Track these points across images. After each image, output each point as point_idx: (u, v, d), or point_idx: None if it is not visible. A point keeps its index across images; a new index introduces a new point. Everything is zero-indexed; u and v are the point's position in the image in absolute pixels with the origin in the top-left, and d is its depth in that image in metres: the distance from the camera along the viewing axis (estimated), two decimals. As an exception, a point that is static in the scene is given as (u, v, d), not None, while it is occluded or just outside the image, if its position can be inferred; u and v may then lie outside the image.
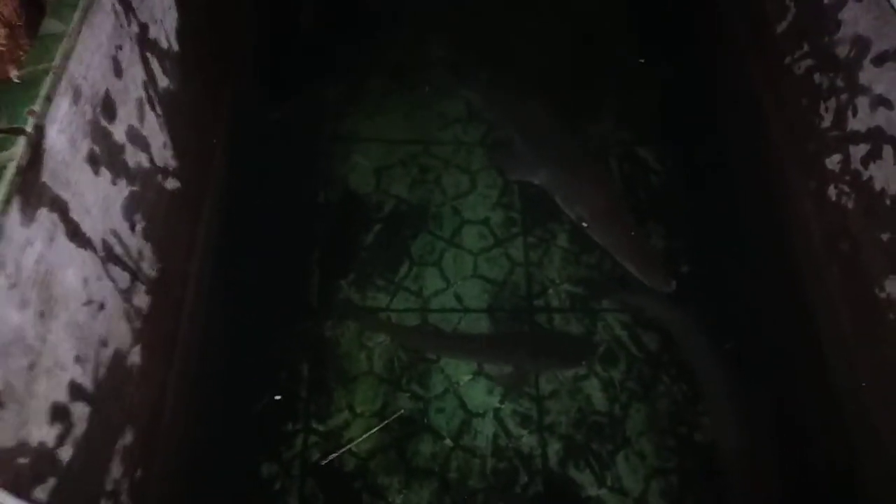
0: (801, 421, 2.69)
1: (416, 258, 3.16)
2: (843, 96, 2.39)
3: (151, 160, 2.00)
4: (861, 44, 2.28)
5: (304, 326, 2.96)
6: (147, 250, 1.96)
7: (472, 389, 2.88)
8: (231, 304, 2.76)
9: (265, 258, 3.03)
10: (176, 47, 2.20)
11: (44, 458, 1.42)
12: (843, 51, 2.41)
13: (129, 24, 1.84)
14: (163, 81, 2.09)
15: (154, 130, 2.02)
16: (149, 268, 1.97)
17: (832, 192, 2.45)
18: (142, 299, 1.93)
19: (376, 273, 3.11)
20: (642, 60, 3.75)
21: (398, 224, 3.25)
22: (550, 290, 3.13)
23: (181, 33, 2.23)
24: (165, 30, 2.11)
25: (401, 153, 3.45)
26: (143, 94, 1.94)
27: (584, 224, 3.09)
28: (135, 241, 1.88)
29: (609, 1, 3.99)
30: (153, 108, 2.01)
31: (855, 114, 2.32)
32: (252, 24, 3.09)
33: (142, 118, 1.93)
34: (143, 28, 1.94)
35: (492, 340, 2.98)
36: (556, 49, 3.83)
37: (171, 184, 2.16)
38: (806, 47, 2.65)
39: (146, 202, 1.95)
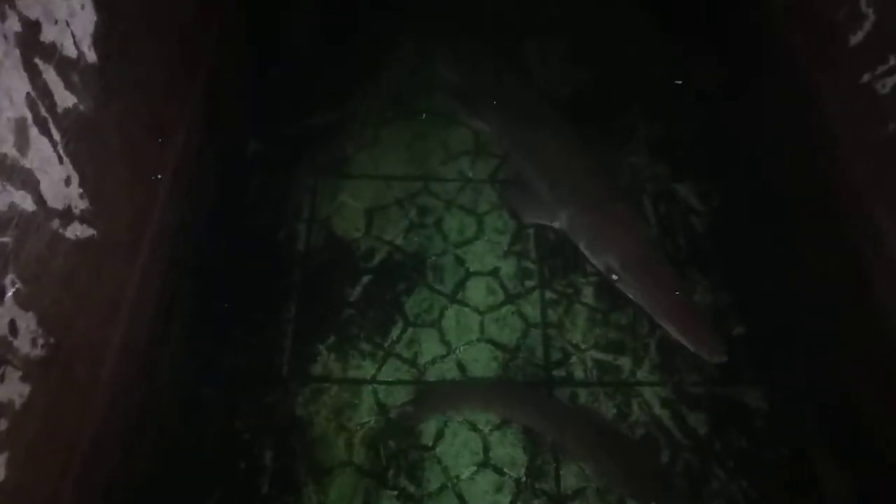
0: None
1: (412, 318, 2.63)
2: (956, 118, 1.84)
3: (40, 201, 1.51)
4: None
5: (269, 402, 2.43)
6: (26, 321, 1.45)
7: (476, 485, 2.31)
8: (172, 376, 2.23)
9: (226, 317, 2.53)
10: (92, 58, 1.72)
11: None
12: (950, 60, 1.87)
13: (1, 20, 1.37)
14: (66, 99, 1.61)
15: (47, 161, 1.54)
16: (28, 345, 1.46)
17: (943, 241, 1.88)
18: (13, 389, 1.42)
19: (362, 335, 2.58)
20: (679, 82, 3.23)
21: (391, 276, 2.72)
22: (573, 358, 2.57)
23: (101, 41, 1.75)
24: (74, 34, 1.64)
25: (396, 191, 2.95)
26: (25, 113, 1.45)
27: (614, 277, 2.54)
28: (3, 311, 1.38)
29: (640, 14, 3.48)
30: (46, 133, 1.53)
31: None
32: (224, 35, 2.62)
33: (23, 145, 1.44)
34: (31, 27, 1.47)
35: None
36: (579, 71, 3.32)
37: (78, 231, 1.67)
38: (892, 61, 2.11)
39: (26, 257, 1.45)
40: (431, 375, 2.51)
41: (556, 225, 2.75)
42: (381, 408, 2.42)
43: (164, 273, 2.13)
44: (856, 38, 2.30)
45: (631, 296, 2.52)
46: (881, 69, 2.16)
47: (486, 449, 2.37)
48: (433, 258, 2.78)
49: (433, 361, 2.54)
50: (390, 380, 2.48)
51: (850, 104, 2.30)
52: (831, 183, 2.40)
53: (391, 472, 2.30)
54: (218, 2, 2.64)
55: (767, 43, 2.80)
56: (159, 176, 2.13)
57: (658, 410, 2.46)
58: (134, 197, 1.96)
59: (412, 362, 2.53)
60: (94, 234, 1.74)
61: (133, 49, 1.95)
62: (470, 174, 3.00)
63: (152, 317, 2.06)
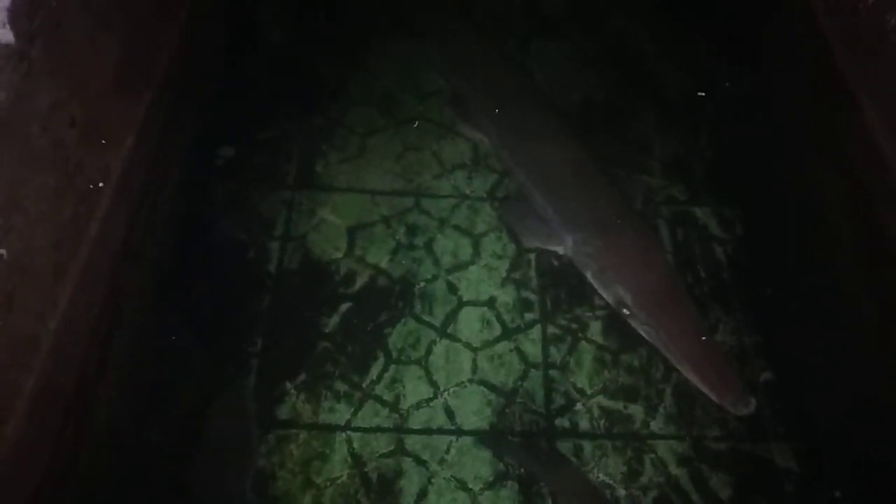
0: None
1: (395, 353, 2.31)
2: None
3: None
4: None
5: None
6: None
7: (464, 554, 1.97)
8: (110, 424, 1.90)
9: (178, 349, 2.19)
10: (7, 38, 1.41)
11: None
12: None
13: None
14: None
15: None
16: None
17: None
18: None
19: (338, 373, 2.26)
20: (702, 94, 2.93)
21: (373, 304, 2.40)
22: (578, 405, 2.25)
23: (21, 18, 1.44)
24: (-21, 8, 1.32)
25: (383, 208, 2.63)
26: None
27: (626, 311, 2.23)
28: None
29: (656, 19, 3.19)
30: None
31: None
32: (190, 24, 2.31)
33: None
34: None
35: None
36: (589, 79, 3.02)
37: (-21, 254, 1.33)
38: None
39: None
40: (415, 422, 2.18)
41: (561, 250, 2.45)
42: (356, 460, 2.09)
43: (101, 301, 1.80)
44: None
45: (644, 334, 2.22)
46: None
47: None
48: (422, 285, 2.46)
49: (417, 406, 2.21)
50: (367, 426, 2.16)
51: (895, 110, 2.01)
52: (874, 206, 2.10)
53: (364, 538, 1.97)
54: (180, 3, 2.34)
55: (798, 45, 2.51)
56: (100, 185, 1.81)
57: (674, 469, 2.14)
58: (62, 209, 1.64)
59: (393, 406, 2.20)
60: (1, 255, 1.41)
61: (67, 31, 1.63)
62: (467, 191, 2.69)
63: (83, 354, 1.73)
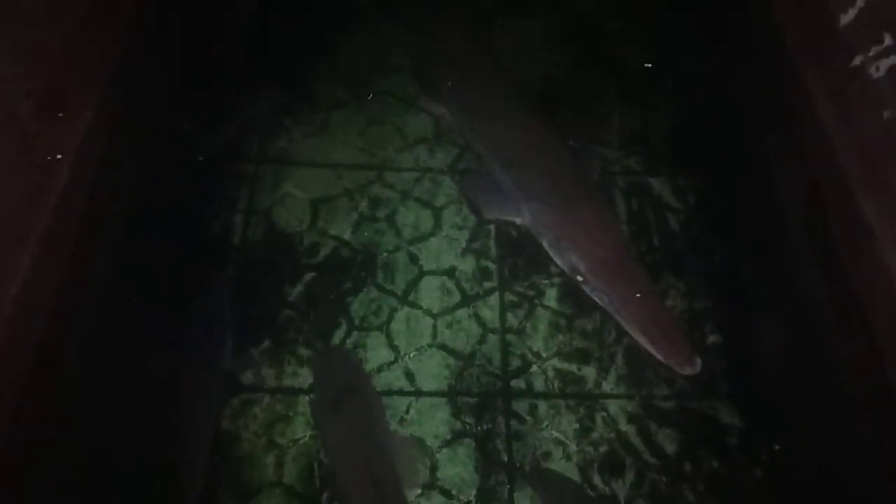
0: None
1: (357, 320, 2.38)
2: (961, 105, 1.63)
3: None
4: None
5: (194, 413, 2.15)
6: None
7: (422, 509, 2.07)
8: (75, 388, 1.96)
9: (142, 320, 2.25)
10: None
11: None
12: (956, 40, 1.66)
13: None
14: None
15: None
16: None
17: (942, 244, 1.67)
18: None
19: (301, 339, 2.33)
20: (649, 65, 3.00)
21: (336, 274, 2.48)
22: (534, 368, 2.34)
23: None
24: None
25: (346, 181, 2.69)
26: None
27: (580, 278, 2.30)
28: None
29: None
30: None
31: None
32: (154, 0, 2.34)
33: None
34: None
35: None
36: (547, 53, 3.08)
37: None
38: (888, 40, 1.89)
39: None
40: (377, 384, 2.26)
41: (519, 221, 2.51)
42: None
43: (62, 269, 1.85)
44: (847, 17, 2.10)
45: (597, 300, 2.29)
46: (875, 50, 1.95)
47: (434, 468, 2.14)
48: (384, 255, 2.53)
49: (379, 369, 2.30)
50: (329, 389, 2.23)
51: (840, 90, 2.09)
52: (819, 178, 2.19)
53: (325, 496, 2.05)
54: None
55: (752, 24, 2.59)
56: (58, 157, 1.85)
57: (624, 426, 2.24)
58: (20, 180, 1.69)
59: (355, 369, 2.27)
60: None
61: (24, 8, 1.67)
62: (429, 164, 2.75)
63: (45, 321, 1.78)
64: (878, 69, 1.93)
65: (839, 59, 2.09)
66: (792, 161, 2.31)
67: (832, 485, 2.08)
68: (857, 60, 2.01)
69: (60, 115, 1.85)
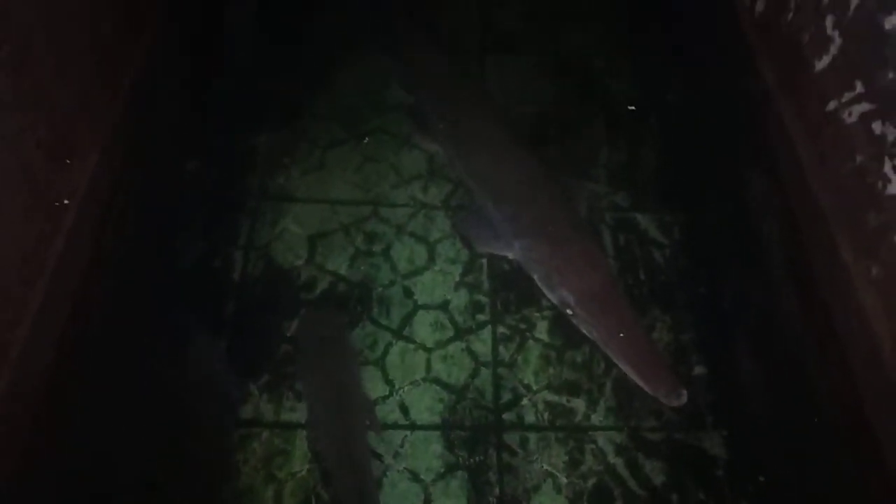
0: None
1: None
2: (925, 154, 1.72)
3: None
4: (953, 80, 1.62)
5: (193, 448, 2.21)
6: None
7: (415, 542, 2.12)
8: (79, 426, 2.01)
9: (144, 356, 2.31)
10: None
11: None
12: (920, 91, 1.75)
13: None
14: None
15: None
16: None
17: (911, 283, 1.75)
18: None
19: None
20: (632, 108, 3.11)
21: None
22: (525, 400, 2.40)
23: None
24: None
25: (343, 217, 2.77)
26: None
27: (570, 312, 2.37)
28: None
29: (600, 37, 3.37)
30: None
31: (946, 178, 1.65)
32: (153, 48, 2.43)
33: None
34: None
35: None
36: (538, 94, 3.18)
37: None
38: (859, 88, 1.99)
39: None
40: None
41: (511, 255, 2.59)
42: (316, 455, 2.22)
43: (66, 316, 1.92)
44: (821, 63, 2.19)
45: (586, 332, 2.35)
46: (847, 96, 2.05)
47: (428, 501, 2.19)
48: (380, 289, 2.60)
49: (374, 403, 2.35)
50: (326, 423, 2.29)
51: (816, 133, 2.18)
52: (798, 217, 2.27)
53: (322, 528, 2.11)
54: (146, 13, 2.46)
55: (734, 68, 2.69)
56: (66, 202, 1.93)
57: (612, 458, 2.30)
58: (30, 226, 1.76)
59: (351, 404, 2.33)
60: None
61: (31, 60, 1.76)
62: (423, 200, 2.83)
63: (51, 362, 1.85)
64: (850, 114, 2.02)
65: (815, 102, 2.18)
66: (773, 200, 2.39)
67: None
68: (832, 105, 2.10)
69: (68, 161, 1.93)
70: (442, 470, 2.24)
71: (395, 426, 2.31)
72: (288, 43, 3.21)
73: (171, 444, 2.16)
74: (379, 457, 2.24)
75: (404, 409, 2.35)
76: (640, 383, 2.22)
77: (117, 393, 2.18)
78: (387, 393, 2.38)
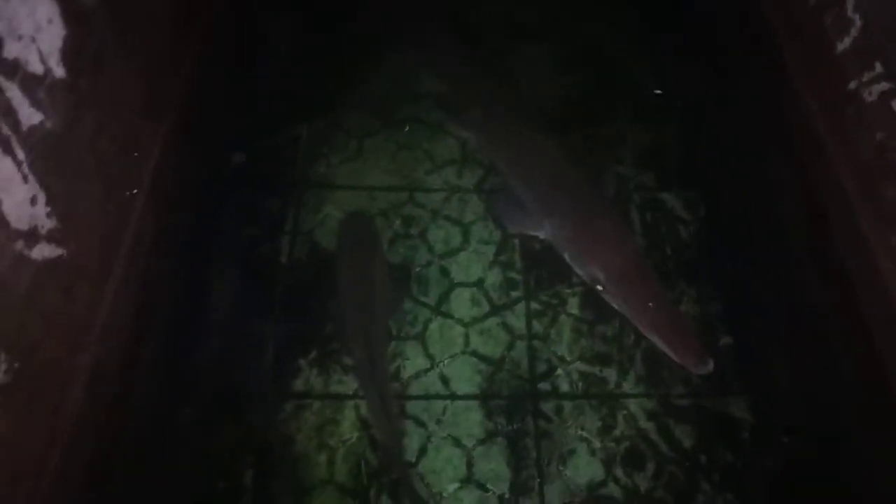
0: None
1: (395, 330, 2.60)
2: (940, 129, 1.81)
3: (2, 222, 1.47)
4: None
5: (250, 419, 2.39)
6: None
7: (460, 502, 2.27)
8: (147, 398, 2.19)
9: (203, 331, 2.49)
10: (60, 73, 1.69)
11: None
12: (935, 70, 1.85)
13: (-43, 40, 1.34)
14: (31, 117, 1.58)
15: (9, 181, 1.50)
16: (-11, 370, 1.43)
17: (927, 254, 1.85)
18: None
19: (344, 350, 2.54)
20: (659, 91, 3.20)
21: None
22: (559, 371, 2.54)
23: (71, 56, 1.72)
24: (41, 49, 1.61)
25: (381, 202, 2.91)
26: (-13, 132, 1.42)
27: (600, 287, 2.50)
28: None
29: (623, 24, 3.46)
30: (9, 152, 1.50)
31: (959, 152, 1.74)
32: (204, 47, 2.59)
33: (-15, 166, 1.42)
34: (-8, 44, 1.44)
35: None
36: (565, 80, 3.29)
37: (46, 252, 1.64)
38: (878, 68, 2.08)
39: (-13, 278, 1.42)
40: (414, 389, 2.47)
41: (542, 235, 2.71)
42: (364, 424, 2.39)
43: (138, 292, 2.09)
44: (843, 45, 2.28)
45: (616, 307, 2.48)
46: (868, 76, 2.14)
47: (470, 465, 2.34)
48: (418, 269, 2.74)
49: (416, 375, 2.51)
50: (372, 394, 2.45)
51: (836, 112, 2.28)
52: (819, 192, 2.37)
53: (373, 491, 2.27)
54: (199, 12, 2.62)
55: (754, 50, 2.78)
56: (134, 191, 2.10)
57: (643, 423, 2.43)
58: (106, 215, 1.93)
59: (395, 376, 2.49)
60: (62, 254, 1.71)
61: (106, 63, 1.92)
62: (457, 184, 2.96)
63: (126, 339, 2.03)
64: (870, 94, 2.11)
65: (836, 83, 2.27)
66: (794, 176, 2.49)
67: (838, 475, 2.26)
68: (852, 85, 2.19)
69: (136, 154, 2.10)
70: (482, 436, 2.39)
71: (437, 396, 2.46)
72: (326, 43, 3.33)
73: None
74: (423, 424, 2.40)
75: (445, 381, 2.50)
76: (669, 353, 2.34)
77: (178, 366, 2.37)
78: (428, 366, 2.52)
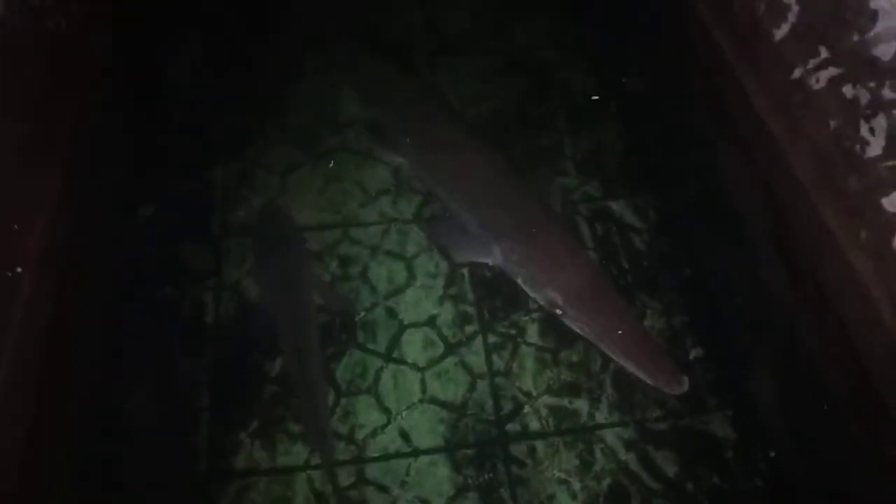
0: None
1: (343, 386, 2.35)
2: (900, 112, 1.70)
3: None
4: (922, 37, 1.60)
5: (190, 510, 2.10)
6: None
7: (437, 571, 2.04)
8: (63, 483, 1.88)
9: (126, 418, 2.18)
10: None
11: None
12: (886, 50, 1.73)
13: None
14: None
15: None
16: None
17: (903, 247, 1.73)
18: None
19: (289, 416, 2.28)
20: (596, 97, 3.07)
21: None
22: (526, 408, 2.34)
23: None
24: None
25: (314, 243, 2.67)
26: None
27: (559, 311, 2.32)
28: None
29: (556, 29, 3.31)
30: None
31: (924, 135, 1.63)
32: (89, 100, 2.28)
33: None
34: None
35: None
36: (499, 92, 3.11)
37: None
38: (824, 53, 1.97)
39: None
40: (373, 450, 2.23)
41: (491, 262, 2.53)
42: (319, 497, 2.13)
43: (34, 382, 1.78)
44: (781, 32, 2.17)
45: (578, 330, 2.32)
46: (813, 63, 2.03)
47: (444, 522, 2.11)
48: (362, 314, 2.50)
49: (373, 433, 2.27)
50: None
51: (785, 102, 2.16)
52: (775, 187, 2.25)
53: (336, 569, 2.01)
54: (78, 69, 2.30)
55: (690, 46, 2.66)
56: (18, 270, 1.79)
57: (623, 455, 2.26)
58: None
59: (349, 438, 2.25)
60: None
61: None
62: (393, 215, 2.74)
63: (19, 444, 1.71)
64: (818, 81, 2.00)
65: (779, 72, 2.16)
66: (746, 172, 2.37)
67: (830, 484, 2.13)
68: (797, 73, 2.08)
69: (15, 227, 1.79)
70: (452, 493, 2.17)
71: (398, 455, 2.23)
72: (232, 72, 3.07)
73: None
74: (385, 489, 2.16)
75: (405, 436, 2.26)
76: (640, 375, 2.19)
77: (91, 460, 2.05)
78: (385, 421, 2.29)
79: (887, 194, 1.79)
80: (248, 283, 2.54)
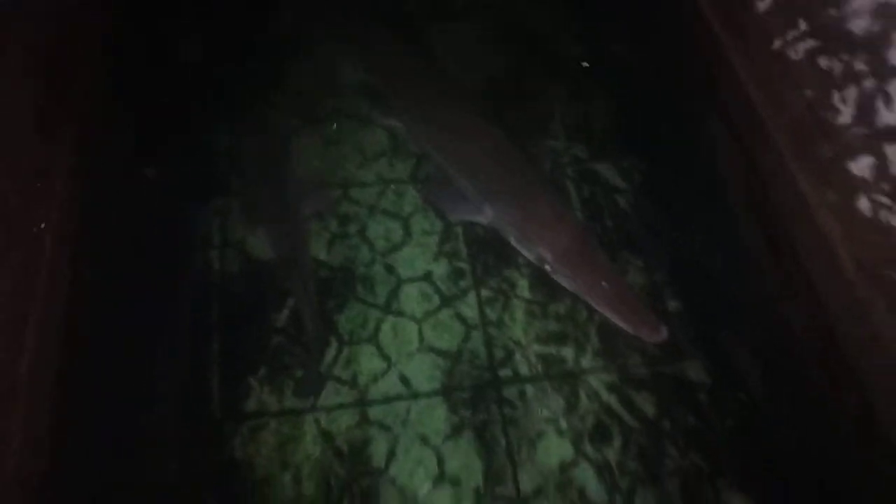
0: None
1: (346, 336, 2.50)
2: (868, 83, 1.85)
3: None
4: (889, 12, 1.74)
5: (203, 449, 2.25)
6: None
7: (435, 501, 2.22)
8: (91, 436, 2.02)
9: (142, 362, 2.31)
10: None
11: None
12: (860, 25, 1.87)
13: None
14: None
15: None
16: None
17: (864, 205, 1.90)
18: None
19: (295, 362, 2.42)
20: (586, 64, 3.18)
21: (318, 295, 2.56)
22: (517, 355, 2.51)
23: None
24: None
25: (314, 203, 2.77)
26: None
27: (548, 267, 2.48)
28: None
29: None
30: None
31: (889, 103, 1.78)
32: (96, 66, 2.35)
33: None
34: None
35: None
36: (490, 59, 3.22)
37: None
38: (803, 26, 2.11)
39: None
40: (374, 393, 2.39)
41: (484, 220, 2.66)
42: (326, 436, 2.29)
43: (62, 335, 1.90)
44: (764, 4, 2.30)
45: (566, 285, 2.47)
46: (792, 35, 2.16)
47: (441, 461, 2.29)
48: (361, 269, 2.64)
49: (374, 379, 2.42)
50: (331, 405, 2.35)
51: (766, 72, 2.30)
52: (754, 152, 2.40)
53: (345, 503, 2.19)
54: (82, 37, 2.36)
55: (677, 15, 2.78)
56: (42, 225, 1.89)
57: (606, 397, 2.44)
58: (12, 258, 1.73)
59: (352, 383, 2.40)
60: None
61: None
62: (390, 176, 2.86)
63: (53, 386, 1.84)
64: (796, 52, 2.14)
65: (761, 42, 2.30)
66: (728, 139, 2.52)
67: (795, 426, 2.34)
68: (777, 44, 2.22)
69: (38, 185, 1.89)
70: (449, 432, 2.34)
71: (399, 398, 2.39)
72: (240, 40, 3.12)
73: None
74: (388, 428, 2.32)
75: (405, 381, 2.42)
76: (622, 325, 2.35)
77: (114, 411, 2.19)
78: (385, 368, 2.44)
79: (854, 159, 1.95)
80: (252, 242, 2.65)
